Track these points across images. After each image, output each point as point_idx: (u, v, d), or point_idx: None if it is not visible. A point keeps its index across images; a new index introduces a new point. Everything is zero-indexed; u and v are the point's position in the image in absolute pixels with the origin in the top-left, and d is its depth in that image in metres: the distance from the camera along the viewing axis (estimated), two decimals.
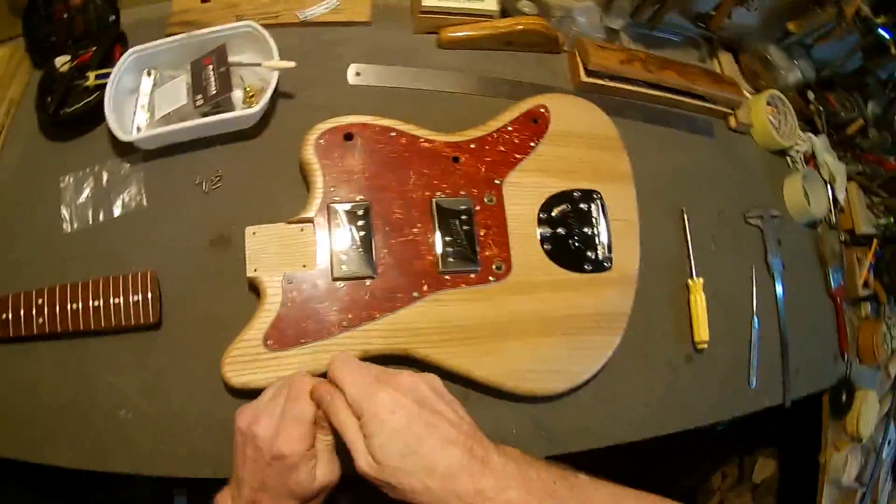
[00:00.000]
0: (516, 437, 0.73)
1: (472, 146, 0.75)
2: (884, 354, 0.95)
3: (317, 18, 0.82)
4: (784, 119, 0.94)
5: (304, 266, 0.68)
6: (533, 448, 0.74)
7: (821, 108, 0.96)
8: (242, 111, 0.74)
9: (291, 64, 0.74)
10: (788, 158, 0.97)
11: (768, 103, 0.93)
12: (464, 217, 0.72)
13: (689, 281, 0.84)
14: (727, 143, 0.95)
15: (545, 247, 0.75)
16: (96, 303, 0.66)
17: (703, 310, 0.83)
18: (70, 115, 0.76)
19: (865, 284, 0.96)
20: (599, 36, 0.88)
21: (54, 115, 0.76)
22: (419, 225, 0.71)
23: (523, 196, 0.76)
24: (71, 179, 0.76)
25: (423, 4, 0.80)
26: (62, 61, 0.80)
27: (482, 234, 0.73)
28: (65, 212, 0.74)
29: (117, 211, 0.74)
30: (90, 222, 0.74)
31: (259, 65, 0.75)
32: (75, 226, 0.74)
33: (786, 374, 0.88)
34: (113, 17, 0.86)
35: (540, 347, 0.72)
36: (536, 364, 0.72)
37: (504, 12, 0.84)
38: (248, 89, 0.78)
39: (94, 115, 0.76)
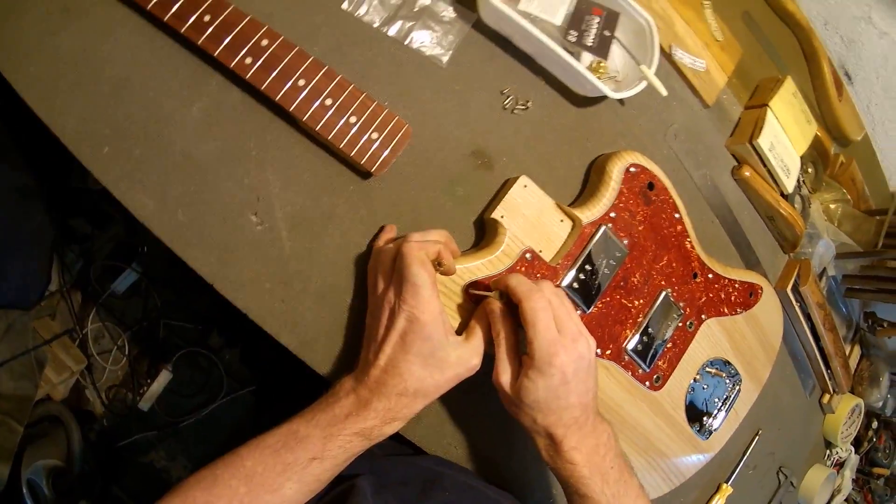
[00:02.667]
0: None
1: (710, 276, 0.79)
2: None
3: (679, 64, 0.83)
4: (851, 426, 1.07)
5: (541, 251, 0.68)
6: None
7: (873, 439, 1.10)
8: (598, 81, 0.69)
9: (664, 91, 0.73)
10: (828, 452, 1.10)
11: (853, 407, 1.06)
12: (669, 323, 0.76)
13: (723, 484, 0.93)
14: (810, 410, 1.06)
15: (689, 391, 0.80)
16: (329, 101, 0.55)
17: None
18: None
19: None
20: (817, 269, 0.96)
21: None
22: (641, 301, 0.74)
23: (707, 342, 0.80)
24: None
25: (756, 139, 0.84)
26: None
27: (668, 346, 0.76)
28: None
29: (413, 42, 0.65)
30: (375, 24, 0.63)
31: (639, 63, 0.74)
32: (359, 13, 0.62)
33: None
34: None
35: (630, 458, 0.76)
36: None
37: (788, 196, 0.90)
38: (602, 62, 0.76)
39: None
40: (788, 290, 0.93)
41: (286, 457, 0.48)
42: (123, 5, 0.53)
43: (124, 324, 1.30)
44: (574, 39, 0.71)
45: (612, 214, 0.71)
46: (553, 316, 0.53)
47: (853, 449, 1.11)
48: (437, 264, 0.57)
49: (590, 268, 0.69)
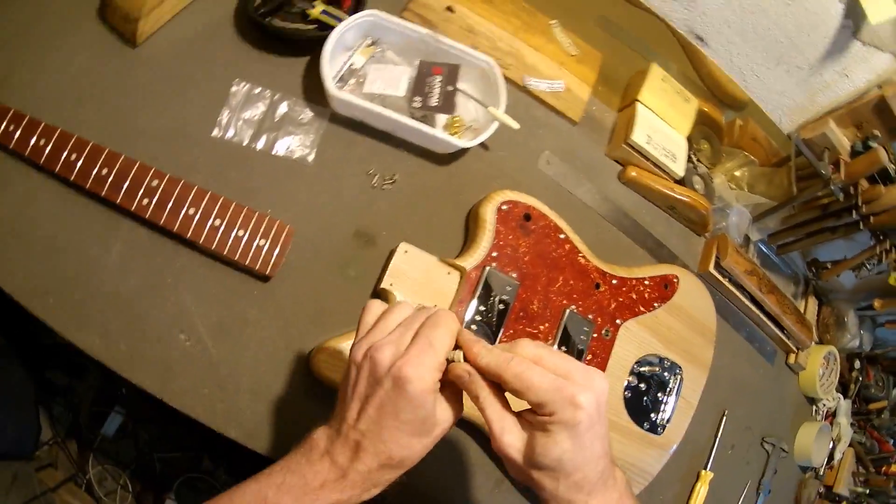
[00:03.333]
0: None
1: (614, 282, 0.82)
2: None
3: (537, 92, 0.88)
4: (829, 375, 1.06)
5: (435, 306, 0.72)
6: None
7: (860, 379, 1.09)
8: (451, 137, 0.75)
9: (515, 125, 0.77)
10: (814, 407, 1.09)
11: (825, 357, 1.05)
12: (582, 337, 0.79)
13: (702, 471, 0.94)
14: (778, 373, 1.06)
15: (626, 393, 0.82)
16: (218, 222, 0.64)
17: (702, 499, 0.92)
18: (276, 29, 0.74)
19: None
20: (737, 239, 0.97)
21: (258, 16, 0.73)
22: (546, 324, 0.77)
23: (630, 344, 0.83)
24: (245, 88, 0.74)
25: (629, 137, 0.87)
26: None
27: (588, 358, 0.79)
28: (224, 116, 0.72)
29: (279, 150, 0.73)
30: (244, 143, 0.72)
31: (486, 106, 0.78)
32: (227, 136, 0.71)
33: None
34: None
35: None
36: None
37: (682, 180, 0.92)
38: (455, 116, 0.81)
39: (300, 45, 0.76)
40: (711, 269, 0.94)
41: None
42: (37, 172, 0.63)
43: (122, 463, 1.35)
44: (419, 105, 0.77)
45: (494, 254, 0.75)
46: (548, 367, 0.46)
47: (841, 396, 1.10)
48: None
49: (484, 308, 0.73)
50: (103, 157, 0.63)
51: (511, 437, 0.46)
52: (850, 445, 1.12)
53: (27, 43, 0.68)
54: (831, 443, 1.09)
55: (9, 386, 1.06)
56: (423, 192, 0.79)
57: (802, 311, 1.08)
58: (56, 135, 0.62)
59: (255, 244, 0.66)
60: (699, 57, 1.01)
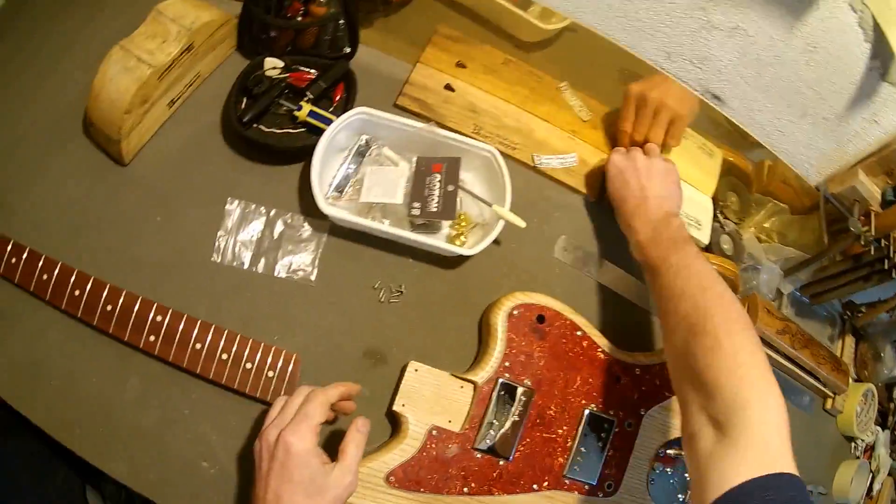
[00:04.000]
0: None
1: (637, 371, 0.80)
2: None
3: (549, 171, 0.83)
4: (867, 411, 1.03)
5: (450, 422, 0.72)
6: None
7: None
8: (451, 246, 0.73)
9: (522, 224, 0.74)
10: (853, 444, 1.06)
11: (863, 395, 1.02)
12: (603, 435, 0.77)
13: None
14: (815, 421, 1.03)
15: (650, 482, 0.81)
16: (225, 356, 0.66)
17: None
18: (262, 135, 0.72)
19: None
20: (769, 295, 0.93)
21: (243, 124, 0.71)
22: (565, 428, 0.76)
23: (655, 431, 0.81)
24: (239, 208, 0.73)
25: None
26: (272, 64, 0.76)
27: (610, 453, 0.78)
28: (220, 240, 0.71)
29: (281, 272, 0.72)
30: (245, 266, 0.71)
31: (489, 205, 0.75)
32: (226, 260, 0.71)
33: None
34: (348, 50, 0.82)
35: None
36: None
37: (709, 246, 0.87)
38: (461, 215, 0.78)
39: (291, 154, 0.74)
40: None
41: None
42: (45, 305, 0.65)
43: None
44: (418, 212, 0.74)
45: (507, 364, 0.73)
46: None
47: (879, 429, 1.07)
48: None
49: (496, 422, 0.72)
50: (105, 292, 0.64)
51: None
52: (889, 474, 1.09)
53: (16, 165, 0.68)
54: (870, 476, 1.07)
55: (54, 490, 1.10)
56: (432, 301, 0.77)
57: (840, 350, 1.03)
58: (57, 269, 0.64)
59: (263, 376, 0.67)
60: None
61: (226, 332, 0.66)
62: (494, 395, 0.72)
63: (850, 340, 1.05)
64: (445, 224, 0.77)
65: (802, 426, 1.01)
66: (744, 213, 0.93)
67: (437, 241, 0.73)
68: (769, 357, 0.93)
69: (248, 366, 0.66)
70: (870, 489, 1.08)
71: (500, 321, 0.74)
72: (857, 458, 1.06)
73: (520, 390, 0.73)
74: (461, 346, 0.77)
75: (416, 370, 0.71)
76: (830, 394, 1.01)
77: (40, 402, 0.64)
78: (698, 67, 0.80)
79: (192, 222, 0.70)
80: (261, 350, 0.67)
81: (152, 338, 0.64)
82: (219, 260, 0.71)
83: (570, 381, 0.76)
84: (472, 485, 0.71)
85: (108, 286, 0.63)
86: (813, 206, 0.94)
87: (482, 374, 0.73)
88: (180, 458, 0.66)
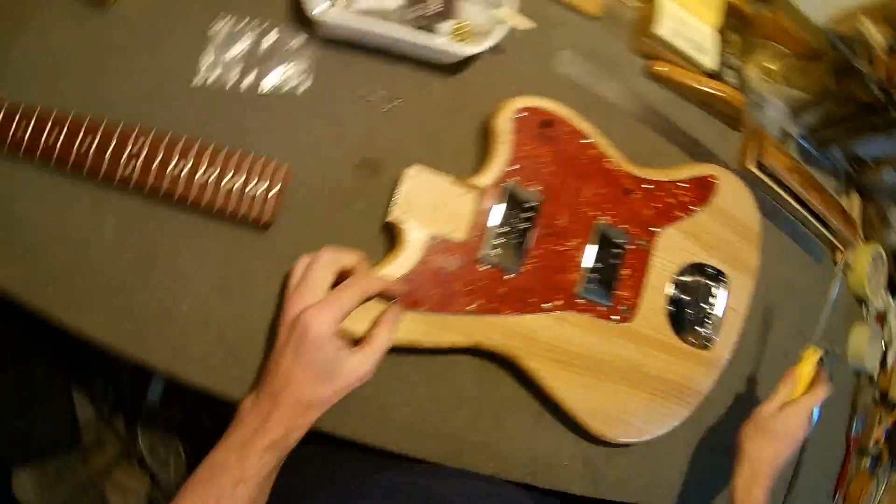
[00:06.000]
0: (566, 470, 0.75)
1: (646, 186, 0.75)
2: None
3: None
4: (878, 275, 1.00)
5: (453, 232, 0.66)
6: (574, 484, 0.75)
7: None
8: (454, 45, 0.67)
9: (530, 24, 0.69)
10: (864, 308, 1.03)
11: (873, 256, 0.98)
12: (616, 251, 0.72)
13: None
14: (825, 274, 0.99)
15: (668, 307, 0.76)
16: (209, 173, 0.58)
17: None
18: None
19: (876, 442, 1.03)
20: (775, 134, 0.89)
21: None
22: (576, 240, 0.71)
23: (670, 253, 0.76)
24: (225, 28, 0.66)
25: (654, 30, 0.79)
26: None
27: (624, 273, 0.73)
28: (203, 61, 0.64)
29: (266, 86, 0.66)
30: (228, 86, 0.64)
31: (493, 8, 0.70)
32: (209, 82, 0.64)
33: (788, 493, 0.94)
34: None
35: (627, 397, 0.73)
36: (617, 411, 0.73)
37: (714, 74, 0.84)
38: (461, 22, 0.71)
39: None
40: (752, 166, 0.87)
41: (213, 489, 0.51)
42: (16, 165, 0.57)
43: (171, 429, 1.31)
44: (418, 14, 0.69)
45: (515, 167, 0.68)
46: None
47: (890, 297, 1.03)
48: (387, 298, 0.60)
49: (507, 229, 0.67)
50: (85, 125, 0.56)
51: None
52: None
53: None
54: (883, 346, 1.03)
55: (34, 383, 1.02)
56: (430, 110, 0.71)
57: (846, 205, 1.00)
58: (35, 115, 0.56)
59: (249, 191, 0.59)
60: None
61: (209, 148, 0.58)
62: (501, 200, 0.67)
63: (856, 199, 1.02)
64: (443, 32, 0.72)
65: (814, 279, 0.97)
66: (747, 53, 0.90)
67: (438, 42, 0.67)
68: (779, 196, 0.90)
69: (233, 181, 0.59)
70: (884, 361, 1.04)
71: (504, 122, 0.68)
72: (868, 322, 1.03)
73: (528, 195, 0.68)
74: (462, 155, 0.71)
75: (415, 176, 0.65)
76: (840, 246, 0.97)
77: (12, 261, 0.56)
78: None
79: (178, 49, 0.63)
80: (247, 163, 0.59)
81: (131, 165, 0.57)
82: (202, 82, 0.64)
83: (580, 190, 0.71)
84: (479, 302, 0.65)
85: (87, 118, 0.56)
86: (816, 54, 0.91)
87: (487, 178, 0.67)
88: (159, 301, 0.58)
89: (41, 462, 1.07)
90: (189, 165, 0.58)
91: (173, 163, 0.57)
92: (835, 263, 0.99)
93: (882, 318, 1.04)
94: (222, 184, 0.59)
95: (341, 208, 0.65)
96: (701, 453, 0.85)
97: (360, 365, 0.55)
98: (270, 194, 0.60)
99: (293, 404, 0.53)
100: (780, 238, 0.93)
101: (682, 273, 0.77)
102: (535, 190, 0.68)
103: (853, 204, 1.01)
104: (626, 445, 0.76)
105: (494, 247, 0.66)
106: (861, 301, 1.03)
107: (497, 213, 0.66)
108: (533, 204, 0.68)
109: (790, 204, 0.90)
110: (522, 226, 0.68)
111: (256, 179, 0.60)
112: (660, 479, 0.82)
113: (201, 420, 1.31)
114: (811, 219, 0.92)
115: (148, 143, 0.57)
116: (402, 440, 0.67)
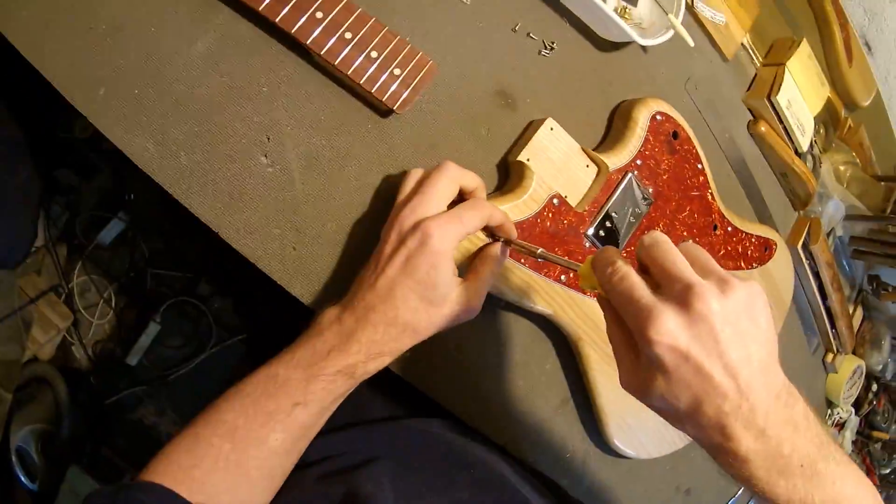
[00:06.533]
0: (565, 462, 0.76)
1: (729, 229, 0.79)
2: None
3: (701, 16, 0.82)
4: (852, 387, 1.08)
5: (567, 196, 0.66)
6: (566, 478, 0.76)
7: (873, 402, 1.12)
8: (627, 26, 0.67)
9: (691, 42, 0.72)
10: (829, 412, 1.11)
11: (855, 368, 1.07)
12: None
13: None
14: (811, 367, 1.07)
15: None
16: (349, 35, 0.51)
17: None
18: None
19: None
20: (825, 227, 0.96)
21: None
22: None
23: None
24: None
25: (774, 95, 0.84)
26: None
27: None
28: None
29: None
30: None
31: (667, 13, 0.72)
32: None
33: None
34: None
35: (648, 413, 0.75)
36: (635, 422, 0.75)
37: (802, 154, 0.90)
38: (626, 7, 0.73)
39: None
40: (798, 246, 0.93)
41: (267, 405, 0.44)
42: None
43: (111, 276, 1.26)
44: None
45: (638, 162, 0.69)
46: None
47: (853, 410, 1.13)
48: (492, 235, 0.56)
49: (616, 215, 0.68)
50: None
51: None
52: None
53: None
54: None
55: (12, 188, 0.92)
56: (576, 71, 0.71)
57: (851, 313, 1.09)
58: None
59: (387, 72, 0.53)
60: (835, 51, 0.98)
61: (359, 10, 0.52)
62: (620, 186, 0.68)
63: (859, 313, 1.11)
64: (611, 6, 0.73)
65: (802, 367, 1.04)
66: (827, 147, 0.97)
67: (612, 13, 0.68)
68: (808, 282, 0.96)
69: (374, 55, 0.53)
70: None
71: (643, 117, 0.70)
72: (830, 427, 1.11)
73: (642, 193, 0.70)
74: (590, 127, 0.72)
75: (552, 129, 0.64)
76: (835, 349, 1.05)
77: (67, 50, 0.46)
78: (867, 18, 0.84)
79: None
80: (395, 43, 0.54)
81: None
82: None
83: (681, 207, 0.74)
84: (571, 274, 0.66)
85: None
86: (880, 178, 1.00)
87: (614, 161, 0.68)
88: (233, 145, 0.51)
89: None
90: (331, 18, 0.50)
91: (313, 8, 0.49)
92: (823, 362, 1.07)
93: (840, 427, 1.12)
94: (362, 53, 0.52)
95: (466, 128, 0.63)
96: (665, 489, 0.88)
97: (470, 296, 0.49)
98: (409, 85, 0.55)
99: (386, 324, 0.46)
100: (793, 319, 1.00)
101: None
102: (649, 189, 0.70)
103: (855, 316, 1.10)
104: (624, 457, 0.78)
105: (603, 226, 0.67)
106: (830, 404, 1.11)
107: (614, 197, 0.67)
108: (644, 202, 0.70)
109: (814, 293, 0.96)
110: (629, 219, 0.69)
111: (398, 63, 0.54)
112: (627, 499, 0.84)
113: (145, 277, 1.27)
114: (824, 315, 0.99)
115: None
116: (438, 385, 0.64)
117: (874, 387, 1.16)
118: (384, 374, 0.51)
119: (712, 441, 0.40)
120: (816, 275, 0.95)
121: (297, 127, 0.54)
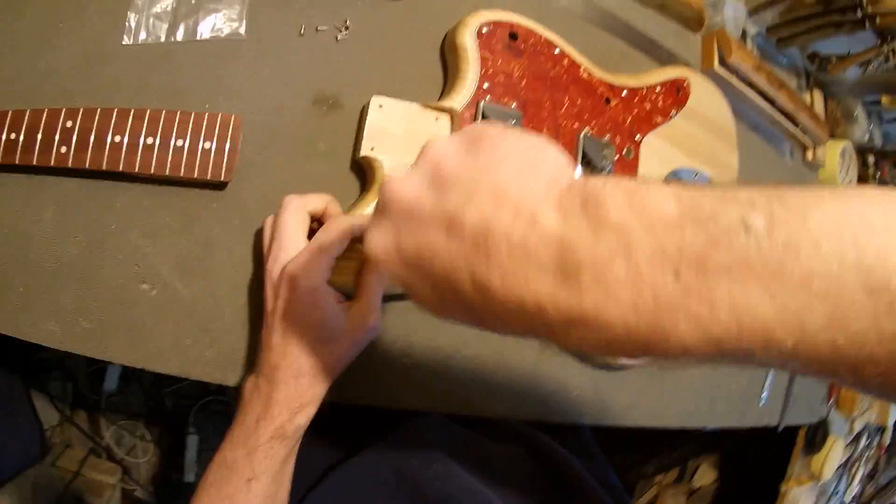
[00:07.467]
0: (576, 402, 0.72)
1: (624, 94, 0.72)
2: (857, 410, 1.03)
3: None
4: (847, 170, 1.00)
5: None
6: (586, 413, 0.73)
7: (877, 175, 1.03)
8: None
9: None
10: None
11: (841, 152, 0.98)
12: (604, 162, 0.69)
13: None
14: (796, 172, 0.99)
15: None
16: (150, 140, 0.51)
17: None
18: None
19: None
20: (735, 34, 0.88)
21: None
22: None
23: (655, 160, 0.73)
24: None
25: None
26: None
27: None
28: (132, 18, 0.57)
29: (204, 32, 0.58)
30: (162, 38, 0.57)
31: None
32: (141, 38, 0.56)
33: (787, 400, 0.93)
34: None
35: None
36: None
37: None
38: None
39: None
40: (716, 67, 0.85)
41: (227, 489, 0.46)
42: None
43: (133, 414, 1.31)
44: None
45: (486, 85, 0.63)
46: None
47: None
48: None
49: None
50: (7, 121, 0.48)
51: None
52: None
53: None
54: None
55: None
56: (385, 34, 0.65)
57: (810, 104, 1.00)
58: None
59: (199, 151, 0.52)
60: None
61: (147, 113, 0.51)
62: (478, 120, 0.62)
63: (818, 96, 1.02)
64: None
65: (785, 176, 0.97)
66: None
67: None
68: (746, 95, 0.88)
69: (179, 143, 0.52)
70: None
71: (468, 39, 0.63)
72: None
73: (505, 113, 0.63)
74: (425, 79, 0.66)
75: (381, 105, 0.59)
76: (810, 144, 0.96)
77: None
78: None
79: (97, 14, 0.55)
80: (191, 121, 0.52)
81: (63, 149, 0.49)
82: (131, 41, 0.57)
83: (558, 102, 0.67)
84: None
85: (8, 113, 0.48)
86: None
87: (459, 99, 0.62)
88: (114, 288, 0.51)
89: (15, 479, 1.03)
90: (128, 135, 0.51)
91: (109, 136, 0.50)
92: (805, 163, 0.99)
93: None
94: (169, 148, 0.52)
95: (302, 151, 0.59)
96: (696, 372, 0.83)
97: (364, 316, 0.49)
98: (224, 150, 0.53)
99: (294, 378, 0.46)
100: (751, 139, 0.92)
101: (668, 179, 0.74)
102: (512, 106, 0.64)
103: (816, 101, 1.01)
104: (628, 367, 0.74)
105: None
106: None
107: None
108: (511, 121, 0.64)
109: (758, 104, 0.88)
110: None
111: (204, 136, 0.53)
112: (669, 399, 0.80)
113: (161, 398, 1.33)
114: (780, 118, 0.91)
115: (79, 122, 0.49)
116: (405, 396, 0.62)
117: (870, 159, 1.07)
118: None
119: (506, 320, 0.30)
120: (750, 84, 0.87)
121: (154, 243, 0.53)
